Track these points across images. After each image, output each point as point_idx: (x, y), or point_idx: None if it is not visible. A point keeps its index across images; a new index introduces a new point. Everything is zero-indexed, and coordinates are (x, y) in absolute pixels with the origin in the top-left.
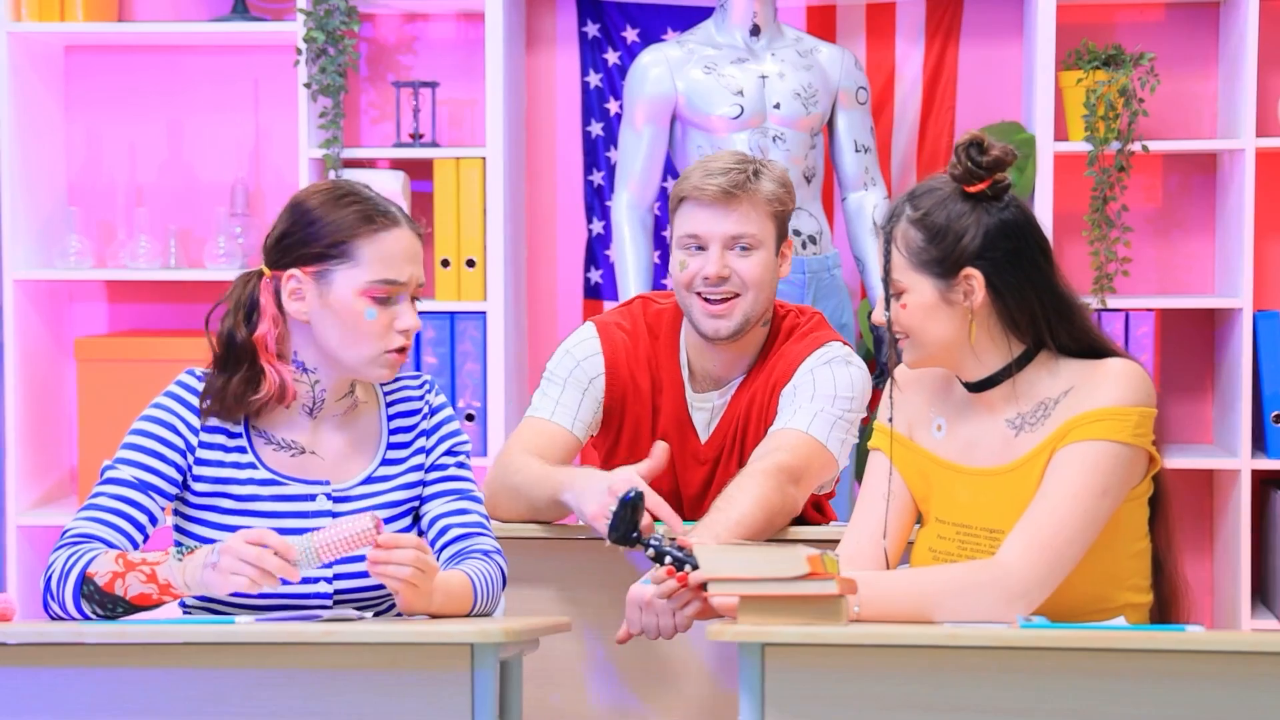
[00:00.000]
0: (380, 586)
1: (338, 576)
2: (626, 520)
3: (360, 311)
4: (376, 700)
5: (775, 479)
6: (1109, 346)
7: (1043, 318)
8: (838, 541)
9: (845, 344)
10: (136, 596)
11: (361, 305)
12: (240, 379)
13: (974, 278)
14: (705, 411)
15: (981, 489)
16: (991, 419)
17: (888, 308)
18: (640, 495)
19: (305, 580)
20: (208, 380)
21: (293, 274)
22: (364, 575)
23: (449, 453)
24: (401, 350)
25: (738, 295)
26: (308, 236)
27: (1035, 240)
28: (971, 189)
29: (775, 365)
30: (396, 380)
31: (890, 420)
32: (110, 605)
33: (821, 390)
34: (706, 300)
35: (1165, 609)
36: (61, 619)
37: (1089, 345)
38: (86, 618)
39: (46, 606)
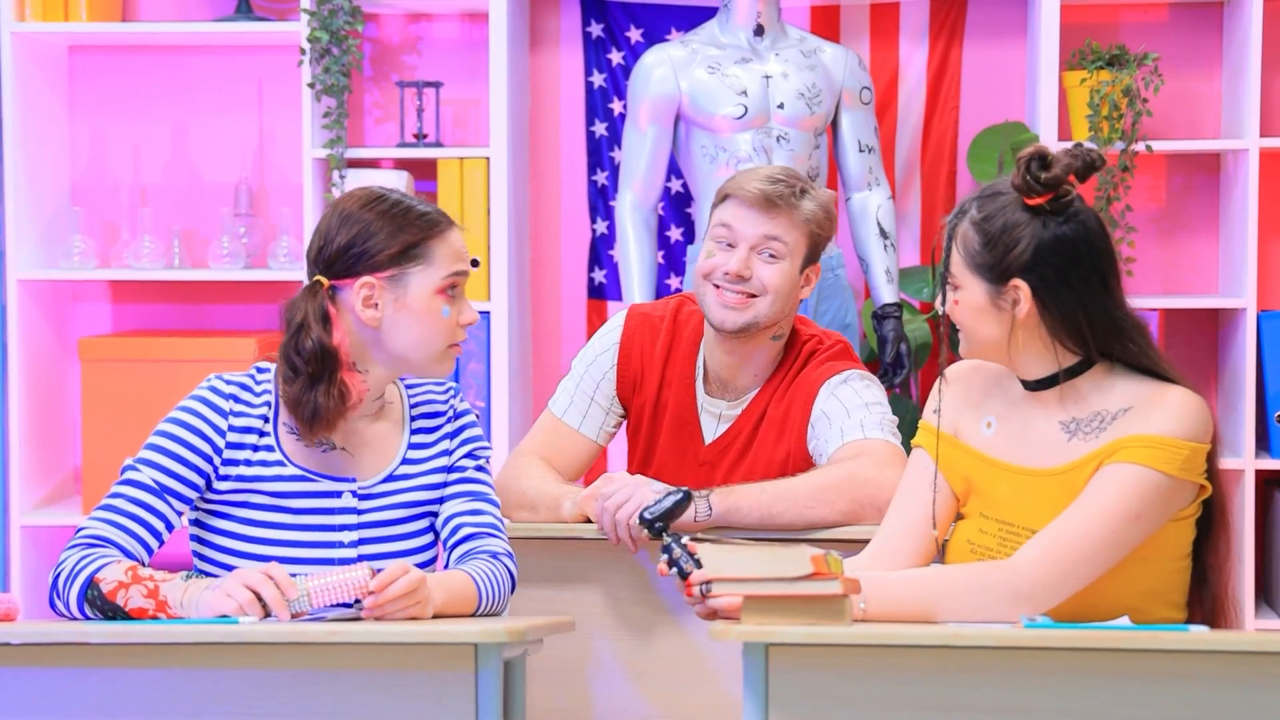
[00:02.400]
0: None
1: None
2: (668, 513)
3: (437, 310)
4: (381, 700)
5: (842, 475)
6: (1171, 372)
7: (1090, 335)
8: (855, 542)
9: (863, 368)
10: (135, 609)
11: (438, 304)
12: (334, 393)
13: (1020, 289)
14: (714, 416)
15: (1026, 488)
16: (1046, 419)
17: (944, 301)
18: (689, 497)
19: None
20: (292, 397)
21: (367, 281)
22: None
23: (470, 455)
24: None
25: (754, 296)
26: (378, 245)
27: (1092, 258)
28: (1030, 202)
29: (792, 391)
30: (421, 384)
31: (938, 411)
32: (110, 613)
33: (851, 404)
34: (721, 290)
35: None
36: (64, 616)
37: (1149, 365)
38: (88, 619)
39: (52, 603)
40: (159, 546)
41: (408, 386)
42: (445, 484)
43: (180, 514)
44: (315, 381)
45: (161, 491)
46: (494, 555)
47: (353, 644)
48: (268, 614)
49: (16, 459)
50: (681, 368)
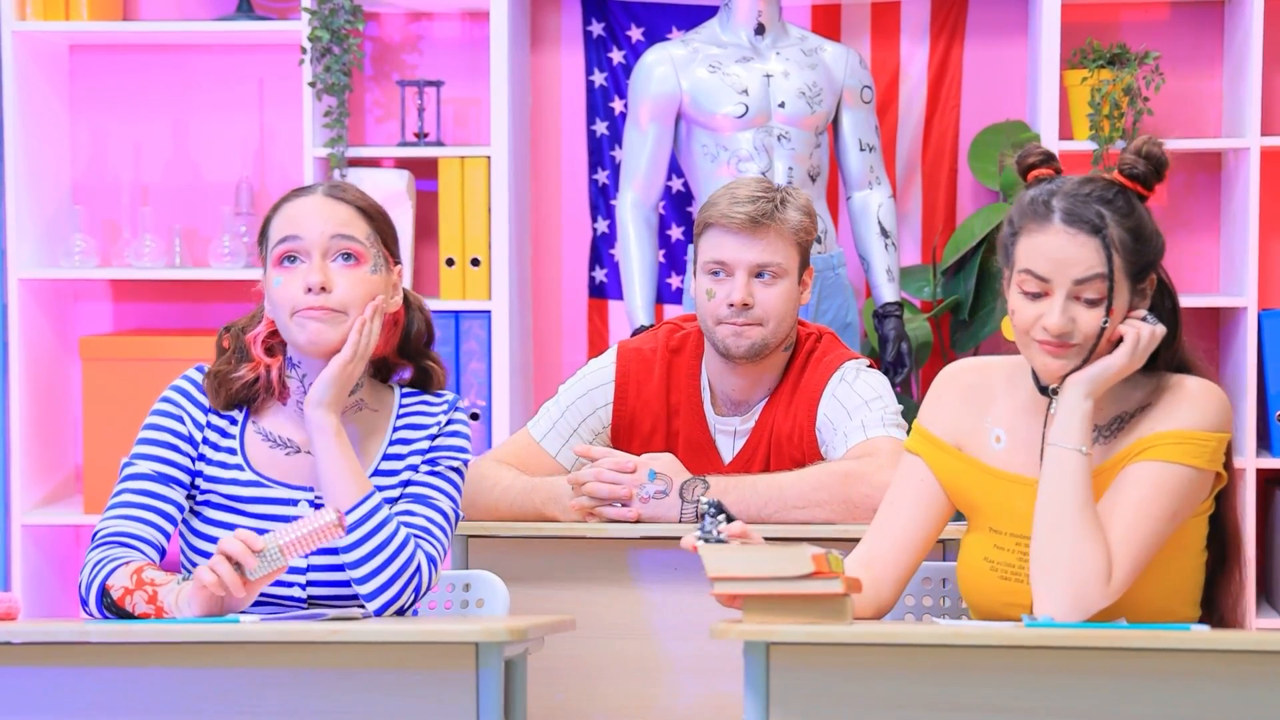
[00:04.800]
0: (346, 584)
1: (311, 584)
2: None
3: (272, 281)
4: (381, 699)
5: (835, 474)
6: (1190, 361)
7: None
8: (854, 541)
9: (855, 356)
10: (141, 614)
11: (273, 276)
12: (228, 361)
13: (1152, 280)
14: (729, 435)
15: None
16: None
17: (1106, 316)
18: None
19: (278, 583)
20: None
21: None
22: (338, 572)
23: (428, 462)
24: (318, 310)
25: (759, 325)
26: (258, 237)
27: None
28: (1150, 192)
29: (796, 400)
30: (419, 395)
31: (999, 440)
32: (124, 619)
33: (851, 404)
34: (727, 323)
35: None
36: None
37: (1169, 358)
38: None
39: (89, 612)
40: (174, 529)
41: (403, 394)
42: (403, 497)
43: (186, 496)
44: (217, 359)
45: (162, 478)
46: None
47: (353, 643)
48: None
49: (17, 458)
50: (687, 394)
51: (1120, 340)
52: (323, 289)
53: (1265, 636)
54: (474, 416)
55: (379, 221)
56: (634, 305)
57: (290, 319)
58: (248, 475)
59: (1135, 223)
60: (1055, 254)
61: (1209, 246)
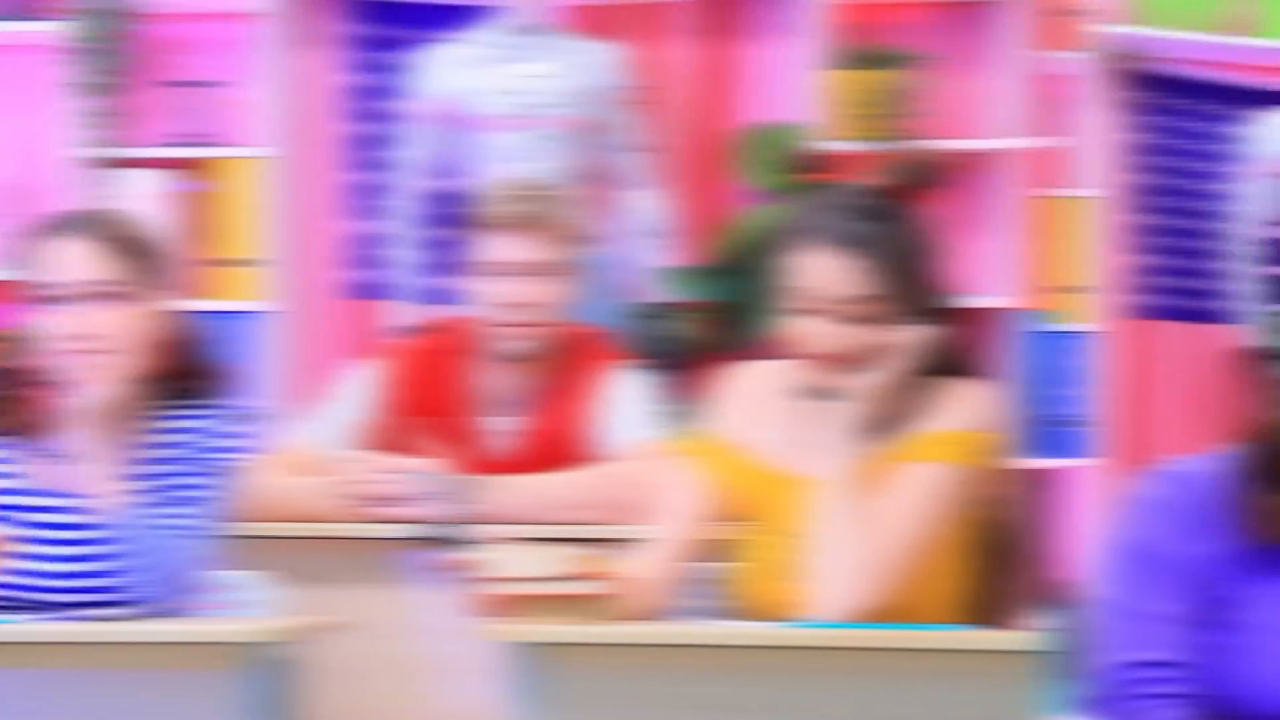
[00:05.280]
0: (106, 589)
1: (72, 590)
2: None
3: (32, 322)
4: (143, 701)
5: (604, 475)
6: (959, 361)
7: None
8: (621, 542)
9: (628, 357)
10: None
11: (32, 317)
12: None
13: (921, 286)
14: (501, 435)
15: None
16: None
17: (875, 331)
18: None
19: (38, 589)
20: None
21: None
22: (98, 579)
23: (194, 461)
24: (80, 353)
25: (535, 324)
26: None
27: None
28: (920, 198)
29: (570, 398)
30: (189, 399)
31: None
32: None
33: (624, 406)
34: (502, 323)
35: None
36: None
37: (939, 359)
38: None
39: None
40: None
41: (172, 399)
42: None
43: None
44: None
45: None
46: None
47: (111, 643)
48: None
49: None
50: (458, 393)
51: (891, 345)
52: (82, 335)
53: (1013, 636)
54: (247, 418)
55: (137, 255)
56: (403, 305)
57: (53, 361)
58: (17, 483)
59: (904, 238)
60: (821, 275)
61: (976, 247)
